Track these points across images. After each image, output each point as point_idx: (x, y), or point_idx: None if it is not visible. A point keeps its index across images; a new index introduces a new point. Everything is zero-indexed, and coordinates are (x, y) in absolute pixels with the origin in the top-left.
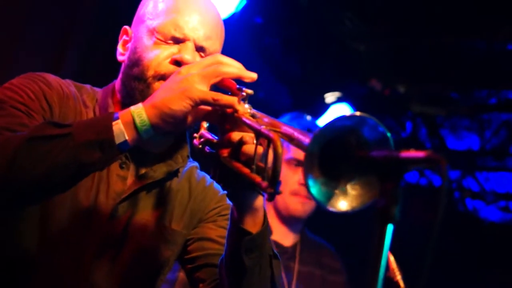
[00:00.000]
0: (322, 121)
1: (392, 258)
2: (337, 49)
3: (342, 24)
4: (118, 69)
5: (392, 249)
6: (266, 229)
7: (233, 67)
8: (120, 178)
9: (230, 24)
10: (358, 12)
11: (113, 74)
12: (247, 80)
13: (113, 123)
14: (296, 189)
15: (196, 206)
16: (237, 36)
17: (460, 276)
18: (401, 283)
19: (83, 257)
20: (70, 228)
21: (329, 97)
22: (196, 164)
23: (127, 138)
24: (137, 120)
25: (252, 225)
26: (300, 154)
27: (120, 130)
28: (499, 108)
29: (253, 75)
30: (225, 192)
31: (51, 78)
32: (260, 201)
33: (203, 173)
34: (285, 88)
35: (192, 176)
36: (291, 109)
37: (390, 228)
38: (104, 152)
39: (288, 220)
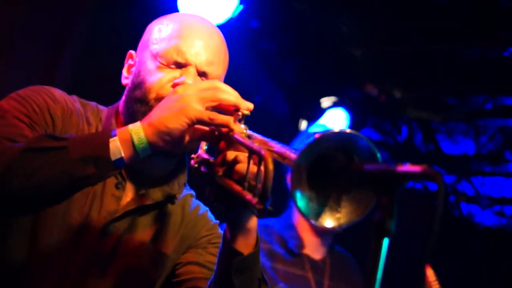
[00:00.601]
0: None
1: (430, 271)
2: (333, 54)
3: (338, 29)
4: (111, 85)
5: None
6: (258, 251)
7: (231, 95)
8: (115, 198)
9: (227, 28)
10: (355, 17)
11: (105, 90)
12: (243, 110)
13: (110, 140)
14: None
15: (188, 232)
16: (234, 40)
17: (455, 280)
18: None
19: (71, 273)
20: (60, 243)
21: (325, 101)
22: (192, 192)
23: (123, 155)
24: (135, 138)
25: (244, 246)
26: None
27: (117, 147)
28: (495, 114)
29: (250, 105)
30: (217, 221)
31: (57, 93)
32: (253, 222)
33: (198, 202)
34: (281, 92)
35: (186, 203)
36: (287, 114)
37: (386, 242)
38: (98, 168)
39: (321, 232)
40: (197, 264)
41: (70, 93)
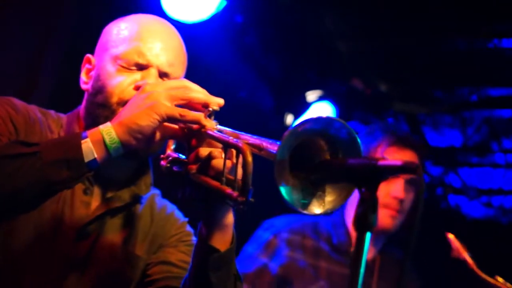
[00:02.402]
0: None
1: (452, 237)
2: (319, 48)
3: (323, 23)
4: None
5: None
6: (234, 247)
7: (200, 93)
8: (84, 203)
9: (211, 24)
10: (339, 11)
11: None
12: (213, 106)
13: (82, 141)
14: (387, 202)
15: (158, 231)
16: (218, 35)
17: (443, 272)
18: (469, 259)
19: (47, 279)
20: (34, 250)
21: (311, 95)
22: (157, 191)
23: (96, 156)
24: (107, 138)
25: (220, 242)
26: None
27: (89, 148)
28: (480, 105)
29: (220, 101)
30: (186, 219)
31: (18, 102)
32: (230, 218)
33: (164, 201)
34: (267, 87)
35: (154, 203)
36: (273, 108)
37: (368, 236)
38: (72, 171)
39: (376, 233)
40: (169, 264)
41: (54, 95)
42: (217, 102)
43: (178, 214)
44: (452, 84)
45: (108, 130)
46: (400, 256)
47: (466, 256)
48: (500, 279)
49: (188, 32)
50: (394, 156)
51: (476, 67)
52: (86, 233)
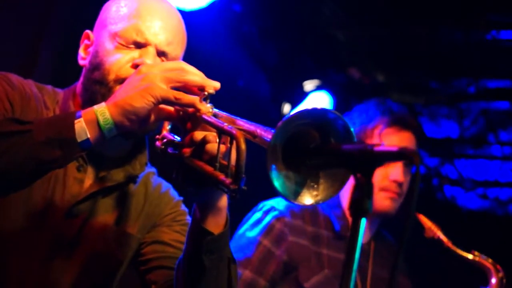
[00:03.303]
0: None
1: (423, 217)
2: (316, 37)
3: (321, 12)
4: None
5: None
6: (228, 230)
7: (196, 76)
8: (77, 180)
9: (209, 12)
10: (337, 0)
11: None
12: (209, 89)
13: (76, 121)
14: (386, 185)
15: (151, 211)
16: (216, 24)
17: (438, 263)
18: (443, 237)
19: (37, 257)
20: (24, 228)
21: (308, 85)
22: (153, 170)
23: (89, 136)
24: (101, 119)
25: (214, 225)
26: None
27: (82, 128)
28: (478, 97)
29: (216, 84)
30: (180, 198)
31: (14, 78)
32: (223, 201)
33: (160, 179)
34: (264, 76)
35: (149, 182)
36: (270, 97)
37: (363, 221)
38: (64, 150)
39: (374, 216)
40: (162, 243)
41: (54, 73)
42: (213, 85)
43: (172, 192)
44: (450, 76)
45: (102, 111)
46: (393, 241)
47: (440, 234)
48: (476, 253)
49: (186, 20)
50: (392, 138)
51: (473, 58)
52: (77, 211)
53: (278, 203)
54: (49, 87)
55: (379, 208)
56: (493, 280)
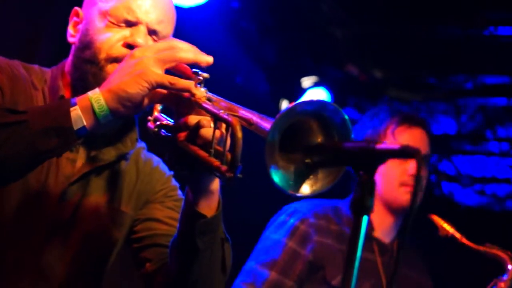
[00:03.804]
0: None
1: (435, 217)
2: (314, 34)
3: (319, 9)
4: None
5: None
6: (220, 212)
7: (189, 52)
8: (70, 161)
9: (207, 8)
10: None
11: None
12: (203, 65)
13: (71, 109)
14: (405, 180)
15: (143, 187)
16: (214, 20)
17: (435, 259)
18: (457, 234)
19: (34, 240)
20: (20, 211)
21: (306, 81)
22: (143, 145)
23: (85, 124)
24: (95, 106)
25: (207, 208)
26: (405, 142)
27: (78, 116)
28: (475, 93)
29: (209, 59)
30: (171, 173)
31: (1, 61)
32: (216, 184)
33: (150, 154)
34: (262, 72)
35: (139, 158)
36: (268, 94)
37: (365, 219)
38: (61, 139)
39: (396, 212)
40: (156, 220)
41: (55, 58)
42: (206, 60)
43: (163, 167)
44: (447, 72)
45: (97, 97)
46: (414, 240)
47: (453, 231)
48: (489, 245)
49: (184, 16)
50: (404, 135)
51: (471, 54)
52: (71, 193)
53: (302, 206)
54: (36, 67)
55: (400, 203)
56: (510, 267)
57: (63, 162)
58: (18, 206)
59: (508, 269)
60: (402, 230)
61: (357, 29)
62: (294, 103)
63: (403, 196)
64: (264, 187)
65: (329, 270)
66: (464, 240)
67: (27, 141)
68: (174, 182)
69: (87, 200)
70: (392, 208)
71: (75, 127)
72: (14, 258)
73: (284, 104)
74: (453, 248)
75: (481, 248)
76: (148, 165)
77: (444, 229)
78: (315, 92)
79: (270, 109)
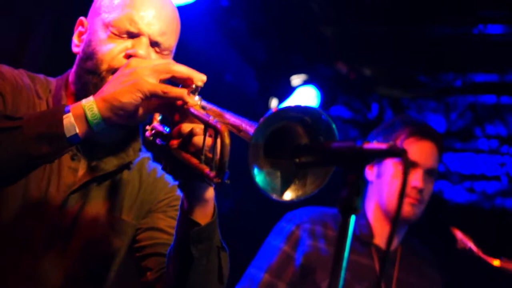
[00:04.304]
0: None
1: (457, 230)
2: (304, 32)
3: (309, 8)
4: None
5: None
6: (215, 221)
7: (184, 67)
8: (71, 170)
9: (197, 7)
10: None
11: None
12: (197, 81)
13: (64, 116)
14: (407, 191)
15: (146, 196)
16: (204, 19)
17: (451, 270)
18: (474, 247)
19: (34, 248)
20: (21, 219)
21: (296, 79)
22: (148, 155)
23: (77, 131)
24: (88, 114)
25: (201, 216)
26: (414, 155)
27: (71, 123)
28: (465, 91)
29: (203, 77)
30: (176, 183)
31: (4, 69)
32: (210, 193)
33: (155, 164)
34: (252, 71)
35: (143, 167)
36: (258, 92)
37: (353, 218)
38: (53, 146)
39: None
40: (158, 230)
41: (41, 70)
42: (200, 78)
43: (167, 177)
44: (437, 70)
45: (90, 106)
46: (422, 248)
47: (472, 245)
48: (505, 259)
49: None
50: (413, 147)
51: (460, 52)
52: (72, 201)
53: (301, 212)
54: (41, 76)
55: (402, 214)
56: None
57: (64, 171)
58: (19, 213)
59: None
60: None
61: (347, 27)
62: (277, 108)
63: (403, 207)
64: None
65: (319, 273)
66: (481, 254)
67: (20, 146)
68: (178, 192)
69: (88, 208)
70: (391, 217)
71: (68, 134)
72: (13, 265)
73: (274, 102)
74: (469, 260)
75: (498, 263)
76: (152, 175)
77: (463, 241)
78: (304, 90)
79: (259, 107)
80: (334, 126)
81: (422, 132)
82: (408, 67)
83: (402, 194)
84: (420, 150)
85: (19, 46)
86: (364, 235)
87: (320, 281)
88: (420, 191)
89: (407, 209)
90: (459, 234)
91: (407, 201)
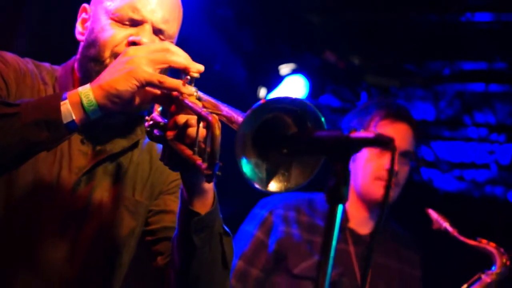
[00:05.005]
0: (275, 95)
1: (432, 211)
2: (292, 21)
3: None
4: (70, 46)
5: None
6: (215, 209)
7: (181, 57)
8: (82, 153)
9: None
10: None
11: (66, 52)
12: (193, 72)
13: (61, 103)
14: (381, 174)
15: (157, 177)
16: (191, 8)
17: (442, 255)
18: (449, 227)
19: (48, 230)
20: (34, 202)
21: (284, 68)
22: None
23: (74, 118)
24: (84, 101)
25: (201, 206)
26: None
27: (68, 110)
28: (453, 79)
29: (200, 67)
30: None
31: (8, 55)
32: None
33: None
34: (240, 60)
35: (153, 148)
36: (246, 81)
37: (340, 208)
38: (51, 132)
39: (370, 206)
40: (169, 212)
41: (30, 51)
42: (197, 67)
43: None
44: (425, 58)
45: (86, 93)
46: (401, 232)
47: (447, 225)
48: (483, 240)
49: None
50: (387, 129)
51: (448, 40)
52: (84, 183)
53: (274, 198)
54: (47, 64)
55: (374, 197)
56: (497, 262)
57: (75, 154)
58: (31, 198)
59: (495, 263)
60: (378, 222)
61: (335, 16)
62: (265, 100)
63: (377, 190)
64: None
65: (291, 258)
66: (457, 234)
67: (18, 132)
68: None
69: (100, 190)
70: (366, 201)
71: (65, 121)
72: (27, 249)
73: (262, 92)
74: (445, 240)
75: (472, 242)
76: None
77: (438, 222)
78: (293, 79)
79: (248, 97)
80: (322, 118)
81: (396, 114)
82: (396, 56)
83: (389, 183)
84: (395, 132)
85: (7, 33)
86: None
87: (293, 266)
88: (395, 173)
89: (381, 192)
90: (434, 215)
91: (381, 184)
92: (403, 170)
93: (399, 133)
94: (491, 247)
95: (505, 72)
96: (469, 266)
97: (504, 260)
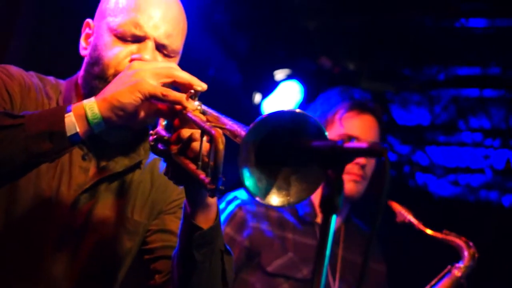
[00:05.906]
0: (270, 100)
1: (395, 204)
2: (287, 26)
3: (291, 1)
4: (66, 57)
5: None
6: (218, 225)
7: (185, 73)
8: (82, 169)
9: (179, 0)
10: None
11: (61, 63)
12: (197, 88)
13: (66, 115)
14: (348, 168)
15: (158, 197)
16: (187, 13)
17: (410, 250)
18: (414, 220)
19: (46, 246)
20: (33, 217)
21: (279, 74)
22: None
23: (78, 130)
24: (89, 113)
25: (204, 220)
26: (354, 130)
27: (72, 122)
28: (448, 84)
29: (203, 85)
30: None
31: (13, 69)
32: (213, 198)
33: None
34: (235, 65)
35: (155, 168)
36: (241, 87)
37: (334, 218)
38: (54, 144)
39: None
40: (168, 232)
41: (23, 64)
42: (200, 85)
43: None
44: (420, 63)
45: (91, 106)
46: (363, 227)
47: (411, 217)
48: (447, 232)
49: None
50: (352, 122)
51: (443, 46)
52: (83, 200)
53: (241, 193)
54: (51, 78)
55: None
56: (466, 255)
57: (75, 171)
58: (30, 213)
59: (464, 256)
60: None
61: (330, 21)
62: (267, 114)
63: (346, 184)
64: None
65: (264, 255)
66: (422, 227)
67: (21, 143)
68: None
69: (99, 208)
70: None
71: (68, 133)
72: (23, 265)
73: (257, 97)
74: (411, 234)
75: (438, 235)
76: (164, 175)
77: (402, 214)
78: (288, 85)
79: (243, 102)
80: (326, 133)
81: (361, 106)
82: (391, 61)
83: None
84: (361, 125)
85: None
86: (307, 214)
87: (265, 264)
88: (363, 166)
89: (349, 186)
90: (397, 208)
91: (349, 178)
92: (370, 163)
93: (364, 125)
94: (459, 239)
95: (499, 77)
96: (437, 260)
97: (472, 253)
